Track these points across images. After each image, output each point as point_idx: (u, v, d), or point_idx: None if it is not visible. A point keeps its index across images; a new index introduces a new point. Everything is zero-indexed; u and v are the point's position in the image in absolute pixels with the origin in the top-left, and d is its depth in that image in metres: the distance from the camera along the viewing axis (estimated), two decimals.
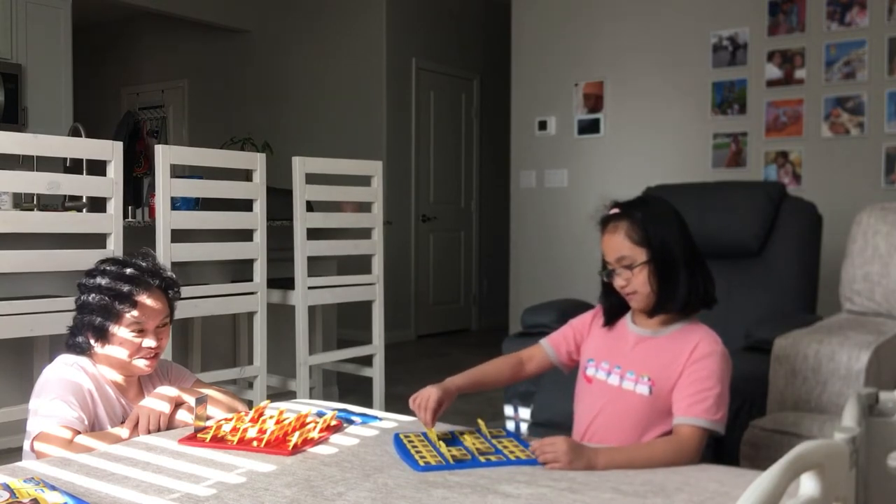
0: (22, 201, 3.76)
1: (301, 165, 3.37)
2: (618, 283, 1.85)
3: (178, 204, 3.24)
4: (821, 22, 4.58)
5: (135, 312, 1.87)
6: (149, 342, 1.90)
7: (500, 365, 2.06)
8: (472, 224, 7.52)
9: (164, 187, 2.95)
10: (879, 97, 4.42)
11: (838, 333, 2.25)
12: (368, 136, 6.69)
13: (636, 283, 1.83)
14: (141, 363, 1.91)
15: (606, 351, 1.93)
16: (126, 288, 1.87)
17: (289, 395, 3.48)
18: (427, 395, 1.82)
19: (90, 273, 1.94)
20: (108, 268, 1.92)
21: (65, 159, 4.19)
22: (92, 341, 1.89)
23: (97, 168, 2.89)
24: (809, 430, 2.08)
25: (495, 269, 7.34)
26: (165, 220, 2.96)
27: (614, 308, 1.94)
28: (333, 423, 1.89)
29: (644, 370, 1.84)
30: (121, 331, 1.87)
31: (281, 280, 3.56)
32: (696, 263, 1.84)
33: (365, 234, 3.77)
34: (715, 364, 1.78)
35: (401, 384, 4.91)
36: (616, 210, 1.87)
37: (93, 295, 1.89)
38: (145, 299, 1.89)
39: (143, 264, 1.94)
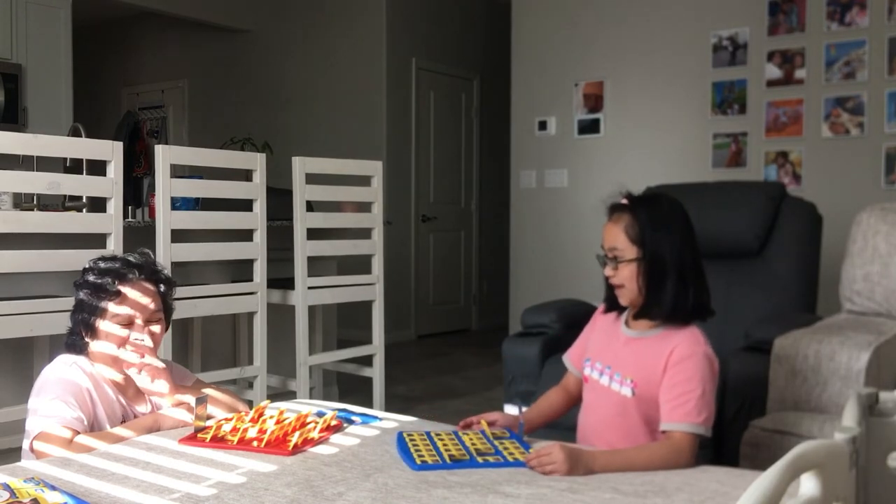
0: (22, 201, 3.75)
1: (301, 165, 3.37)
2: (606, 271, 1.87)
3: (178, 204, 3.24)
4: (821, 22, 4.58)
5: (117, 305, 1.87)
6: (137, 336, 1.90)
7: (550, 398, 2.09)
8: (472, 224, 7.52)
9: (164, 187, 2.95)
10: (879, 97, 4.41)
11: (838, 333, 2.25)
12: (368, 136, 6.69)
13: (622, 277, 1.83)
14: (132, 358, 1.90)
15: (601, 351, 1.94)
16: (110, 278, 1.88)
17: (289, 395, 3.48)
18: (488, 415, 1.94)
19: (82, 271, 1.95)
20: (97, 264, 1.93)
21: (65, 159, 4.18)
22: (84, 334, 1.89)
23: (97, 168, 2.89)
24: (809, 430, 2.08)
25: (495, 269, 7.34)
26: (165, 220, 2.96)
27: (614, 297, 1.94)
28: (333, 423, 1.89)
29: (628, 372, 1.84)
30: (105, 324, 1.87)
31: (281, 280, 3.56)
32: (690, 275, 1.81)
33: (365, 234, 3.77)
34: (694, 366, 1.76)
35: (401, 384, 4.91)
36: (624, 201, 1.87)
37: (82, 291, 1.90)
38: (129, 291, 1.89)
39: (132, 259, 1.95)
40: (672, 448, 1.70)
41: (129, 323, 1.89)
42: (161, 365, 1.92)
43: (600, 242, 1.90)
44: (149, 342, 1.91)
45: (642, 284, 1.81)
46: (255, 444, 1.73)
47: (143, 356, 1.90)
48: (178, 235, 3.01)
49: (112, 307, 1.87)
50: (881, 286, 2.51)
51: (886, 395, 1.42)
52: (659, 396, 1.78)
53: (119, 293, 1.88)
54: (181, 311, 2.96)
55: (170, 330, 2.13)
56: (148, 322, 1.92)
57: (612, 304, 1.95)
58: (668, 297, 1.80)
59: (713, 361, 1.80)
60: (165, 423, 1.90)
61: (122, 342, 1.89)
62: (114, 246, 2.78)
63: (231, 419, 1.86)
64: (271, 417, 1.86)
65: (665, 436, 1.75)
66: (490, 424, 1.88)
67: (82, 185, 2.85)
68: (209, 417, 1.87)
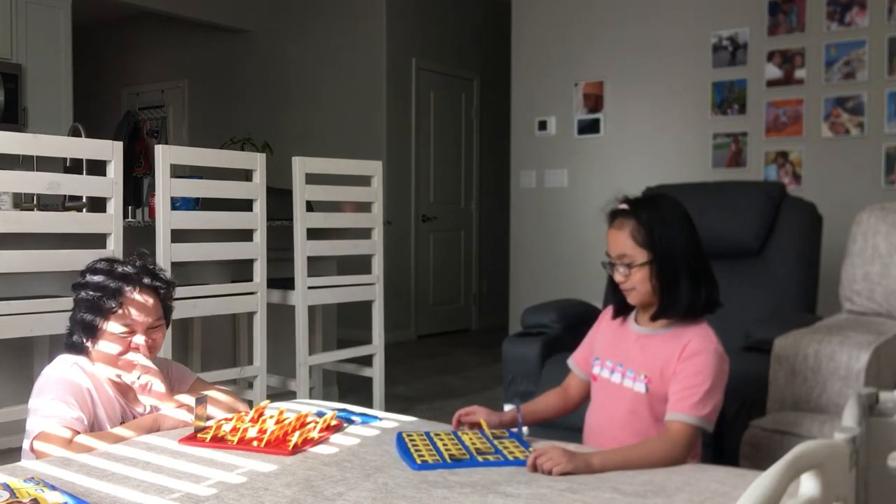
0: (22, 201, 3.75)
1: (301, 165, 3.37)
2: (617, 277, 1.87)
3: (178, 204, 3.24)
4: (821, 22, 4.58)
5: (122, 310, 1.87)
6: (139, 340, 1.90)
7: (547, 398, 2.08)
8: (472, 224, 7.52)
9: (164, 187, 2.95)
10: (879, 97, 4.41)
11: (838, 333, 2.25)
12: (368, 136, 6.69)
13: (634, 281, 1.83)
14: (128, 360, 1.90)
15: (611, 349, 1.94)
16: (114, 285, 1.87)
17: (289, 395, 3.48)
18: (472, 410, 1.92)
19: (83, 272, 1.94)
20: (99, 266, 1.93)
21: (65, 159, 4.19)
22: (84, 339, 1.89)
23: (97, 168, 2.89)
24: (809, 430, 2.08)
25: (495, 269, 7.34)
26: (165, 220, 2.96)
27: (622, 302, 1.94)
28: (333, 423, 1.89)
29: (642, 368, 1.84)
30: (109, 327, 1.87)
31: (281, 280, 3.56)
32: (699, 270, 1.83)
33: (365, 234, 3.77)
34: (704, 361, 1.77)
35: (401, 384, 4.91)
36: (625, 206, 1.87)
37: (83, 292, 1.89)
38: (134, 296, 1.89)
39: (129, 269, 1.94)
40: (668, 440, 1.71)
41: (129, 332, 1.89)
42: (155, 368, 1.91)
43: (601, 243, 1.90)
44: (142, 341, 1.90)
45: (655, 285, 1.82)
46: (255, 444, 1.73)
47: (137, 350, 1.90)
48: (178, 235, 3.01)
49: (117, 311, 1.87)
50: (881, 286, 2.51)
51: (886, 395, 1.42)
52: (669, 390, 1.79)
53: (125, 298, 1.88)
54: (181, 311, 2.96)
55: (170, 330, 2.13)
56: (149, 329, 1.92)
57: (621, 309, 1.95)
58: (684, 295, 1.81)
59: (724, 359, 1.81)
60: (165, 424, 1.90)
61: (125, 346, 1.89)
62: (114, 246, 2.78)
63: (231, 419, 1.86)
64: (271, 417, 1.86)
65: (664, 427, 1.75)
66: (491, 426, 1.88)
67: (82, 185, 2.85)
68: (209, 418, 1.87)
